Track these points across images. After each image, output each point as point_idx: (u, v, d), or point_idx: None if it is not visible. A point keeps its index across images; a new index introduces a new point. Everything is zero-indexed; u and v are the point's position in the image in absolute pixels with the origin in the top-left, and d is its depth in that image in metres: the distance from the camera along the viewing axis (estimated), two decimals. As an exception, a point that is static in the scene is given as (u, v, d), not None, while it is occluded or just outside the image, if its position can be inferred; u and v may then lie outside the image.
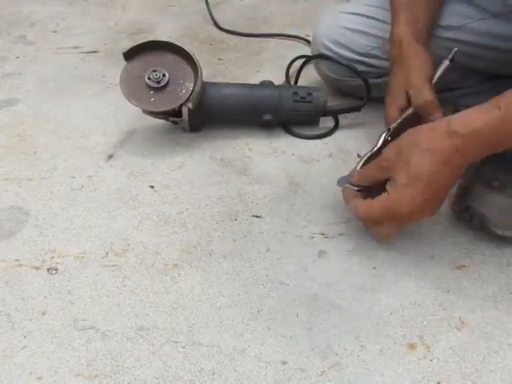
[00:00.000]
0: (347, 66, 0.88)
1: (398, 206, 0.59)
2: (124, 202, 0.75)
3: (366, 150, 0.71)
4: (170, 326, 0.59)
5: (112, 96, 0.97)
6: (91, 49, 1.15)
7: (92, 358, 0.55)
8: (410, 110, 0.73)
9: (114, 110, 0.93)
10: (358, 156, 0.83)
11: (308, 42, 1.12)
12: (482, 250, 0.68)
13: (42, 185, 0.77)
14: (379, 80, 0.87)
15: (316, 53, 0.92)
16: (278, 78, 0.96)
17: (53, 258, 0.66)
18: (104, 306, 0.61)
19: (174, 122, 0.85)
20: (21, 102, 0.96)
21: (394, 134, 0.69)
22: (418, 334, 0.58)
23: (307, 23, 1.21)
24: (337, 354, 0.56)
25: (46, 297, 0.62)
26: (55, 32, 1.23)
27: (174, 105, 0.80)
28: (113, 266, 0.66)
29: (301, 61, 0.95)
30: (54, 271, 0.65)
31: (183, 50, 0.81)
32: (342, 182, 0.68)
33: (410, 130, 0.61)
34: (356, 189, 0.65)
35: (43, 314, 0.60)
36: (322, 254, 0.68)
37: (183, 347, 0.57)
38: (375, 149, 0.69)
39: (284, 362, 0.56)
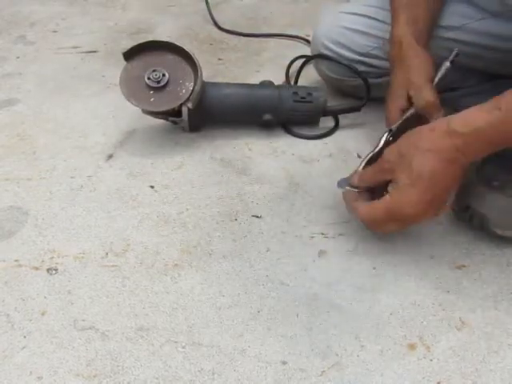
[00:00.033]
0: (347, 66, 0.88)
1: (401, 208, 0.59)
2: (124, 202, 0.75)
3: (366, 150, 0.71)
4: (169, 326, 0.59)
5: (112, 96, 0.96)
6: (91, 49, 1.15)
7: (92, 358, 0.55)
8: (412, 111, 0.73)
9: (113, 110, 0.93)
10: (358, 156, 0.83)
11: (308, 41, 1.12)
12: (482, 250, 0.68)
13: (42, 185, 0.77)
14: (379, 80, 0.87)
15: (316, 53, 0.92)
16: (278, 78, 0.96)
17: (52, 258, 0.66)
18: (104, 306, 0.61)
19: (174, 122, 0.85)
20: (21, 101, 0.96)
21: (396, 135, 0.69)
22: (418, 334, 0.58)
23: (307, 23, 1.21)
24: (337, 354, 0.56)
25: (45, 297, 0.62)
26: (55, 32, 1.23)
27: (174, 105, 0.80)
28: (112, 266, 0.66)
29: (301, 61, 0.95)
30: (53, 271, 0.65)
31: (183, 49, 0.81)
32: (342, 183, 0.68)
33: (411, 131, 0.61)
34: (357, 191, 0.65)
35: (43, 314, 0.60)
36: (321, 253, 0.68)
37: (183, 347, 0.57)
38: (377, 149, 0.69)
39: (284, 362, 0.55)
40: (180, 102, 0.80)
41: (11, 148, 0.85)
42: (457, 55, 0.74)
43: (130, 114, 0.90)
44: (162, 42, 0.82)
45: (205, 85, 0.84)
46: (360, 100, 0.88)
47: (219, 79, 0.95)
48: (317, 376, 0.54)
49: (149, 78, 0.79)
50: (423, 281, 0.64)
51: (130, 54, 0.81)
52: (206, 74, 0.86)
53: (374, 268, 0.66)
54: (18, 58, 1.12)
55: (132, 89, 0.80)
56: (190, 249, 0.68)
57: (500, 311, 0.61)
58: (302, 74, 0.95)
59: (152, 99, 0.80)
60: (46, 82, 1.02)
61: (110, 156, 0.83)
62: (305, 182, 0.78)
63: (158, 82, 0.80)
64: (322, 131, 0.89)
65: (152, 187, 0.77)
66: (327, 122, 0.90)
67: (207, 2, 1.30)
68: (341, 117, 0.91)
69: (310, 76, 0.99)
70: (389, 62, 0.77)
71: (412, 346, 0.57)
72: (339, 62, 0.89)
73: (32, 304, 0.61)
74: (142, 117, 0.85)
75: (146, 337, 0.58)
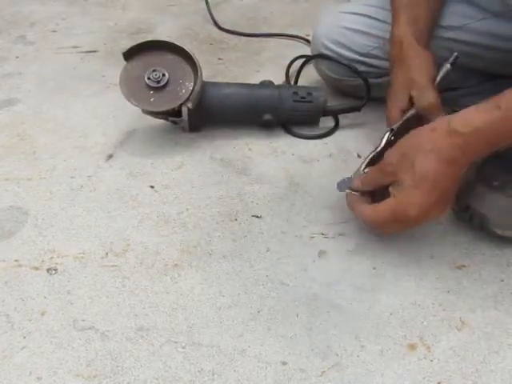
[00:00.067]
0: (347, 66, 0.88)
1: (405, 210, 0.59)
2: (124, 202, 0.75)
3: (366, 150, 0.71)
4: (169, 326, 0.59)
5: (112, 96, 0.96)
6: (91, 48, 1.15)
7: (91, 359, 0.55)
8: (412, 111, 0.72)
9: (113, 110, 0.93)
10: (358, 156, 0.83)
11: (308, 41, 1.12)
12: (482, 250, 0.68)
13: (42, 185, 0.77)
14: (379, 80, 0.87)
15: (316, 53, 0.92)
16: (278, 78, 0.96)
17: (52, 258, 0.66)
18: (104, 306, 0.61)
19: (174, 122, 0.85)
20: (21, 101, 0.96)
21: (397, 135, 0.69)
22: (419, 335, 0.58)
23: (307, 23, 1.21)
24: (337, 355, 0.56)
25: (45, 297, 0.62)
26: (55, 32, 1.23)
27: (174, 104, 0.80)
28: (112, 266, 0.65)
29: (301, 61, 0.95)
30: (53, 271, 0.64)
31: (183, 49, 0.81)
32: (341, 185, 0.68)
33: (412, 132, 0.61)
34: (357, 194, 0.65)
35: (43, 314, 0.60)
36: (322, 253, 0.68)
37: (183, 347, 0.57)
38: (378, 149, 0.69)
39: (284, 363, 0.55)
40: (180, 102, 0.80)
41: (11, 148, 0.85)
42: (457, 58, 0.74)
43: (129, 114, 0.90)
44: (162, 41, 0.82)
45: (205, 85, 0.84)
46: (360, 100, 0.88)
47: (219, 79, 0.94)
48: (317, 376, 0.54)
49: (149, 78, 0.79)
50: (423, 281, 0.64)
51: (129, 54, 0.81)
52: (206, 74, 0.86)
53: (374, 268, 0.66)
54: (17, 57, 1.11)
55: (132, 89, 0.80)
56: (190, 249, 0.68)
57: (500, 311, 0.61)
58: (302, 73, 0.95)
59: (152, 99, 0.80)
60: (46, 81, 1.02)
61: (110, 156, 0.83)
62: (305, 182, 0.78)
63: (158, 82, 0.80)
64: (322, 131, 0.89)
65: (152, 187, 0.77)
66: (327, 122, 0.90)
67: (207, 2, 1.30)
68: (341, 117, 0.91)
69: (310, 76, 0.99)
70: (389, 62, 0.77)
71: (412, 346, 0.57)
72: (339, 62, 0.89)
73: (32, 304, 0.61)
74: (142, 117, 0.85)
75: (146, 337, 0.57)
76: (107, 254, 0.67)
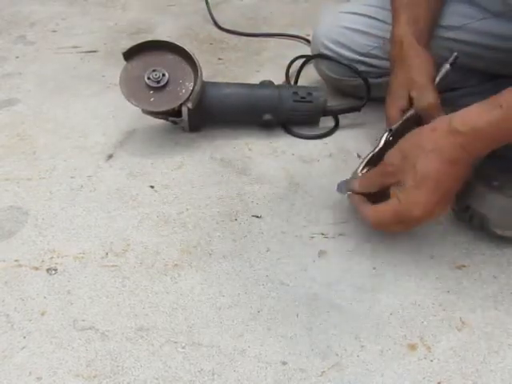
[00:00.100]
0: (347, 66, 0.88)
1: (409, 210, 0.59)
2: (124, 202, 0.75)
3: (366, 150, 0.71)
4: (169, 326, 0.59)
5: (112, 96, 0.96)
6: (91, 48, 1.15)
7: (91, 359, 0.55)
8: (412, 112, 0.72)
9: (113, 110, 0.93)
10: (358, 156, 0.83)
11: (308, 41, 1.12)
12: (482, 250, 0.68)
13: (42, 185, 0.77)
14: (379, 80, 0.87)
15: (316, 53, 0.92)
16: (278, 78, 0.96)
17: (52, 258, 0.66)
18: (103, 306, 0.61)
19: (174, 122, 0.85)
20: (21, 101, 0.96)
21: (396, 135, 0.69)
22: (419, 335, 0.58)
23: (307, 23, 1.21)
24: (337, 355, 0.56)
25: (45, 297, 0.62)
26: (55, 32, 1.23)
27: (174, 104, 0.80)
28: (112, 266, 0.65)
29: (301, 61, 0.95)
30: (53, 271, 0.64)
31: (183, 49, 0.81)
32: (341, 186, 0.68)
33: (412, 132, 0.61)
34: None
35: (42, 314, 0.60)
36: (322, 253, 0.68)
37: (183, 347, 0.57)
38: (377, 149, 0.69)
39: (284, 363, 0.55)
40: (180, 102, 0.80)
41: (11, 148, 0.85)
42: (456, 58, 0.74)
43: (129, 114, 0.90)
44: (162, 41, 0.82)
45: (205, 85, 0.84)
46: (360, 100, 0.88)
47: (219, 79, 0.94)
48: (317, 376, 0.54)
49: (149, 78, 0.79)
50: (423, 281, 0.64)
51: (129, 54, 0.81)
52: (206, 74, 0.86)
53: (374, 268, 0.66)
54: (17, 57, 1.11)
55: (132, 89, 0.80)
56: (190, 249, 0.68)
57: (500, 311, 0.61)
58: (302, 73, 0.95)
59: (152, 99, 0.80)
60: (46, 81, 1.02)
61: (110, 156, 0.83)
62: (305, 182, 0.78)
63: (158, 82, 0.80)
64: (322, 131, 0.89)
65: (152, 187, 0.77)
66: (327, 122, 0.90)
67: (207, 2, 1.30)
68: (341, 117, 0.91)
69: (310, 76, 0.99)
70: (389, 61, 0.77)
71: (412, 346, 0.57)
72: (339, 62, 0.89)
73: (32, 304, 0.61)
74: (142, 117, 0.85)
75: (146, 337, 0.57)
76: (107, 254, 0.67)
